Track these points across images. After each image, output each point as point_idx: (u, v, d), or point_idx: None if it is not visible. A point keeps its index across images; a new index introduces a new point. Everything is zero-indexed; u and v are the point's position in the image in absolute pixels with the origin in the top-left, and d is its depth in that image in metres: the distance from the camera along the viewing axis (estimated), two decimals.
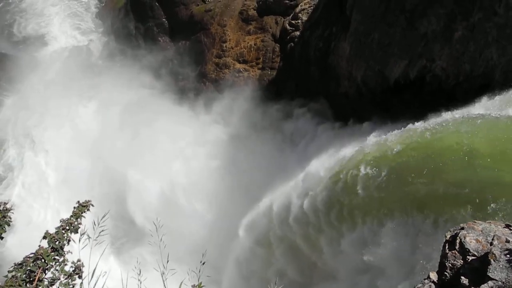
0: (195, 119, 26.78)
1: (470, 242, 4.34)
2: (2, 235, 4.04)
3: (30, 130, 31.13)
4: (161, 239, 3.87)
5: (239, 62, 26.34)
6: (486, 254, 4.10)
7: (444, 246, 4.63)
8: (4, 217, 3.96)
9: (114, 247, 23.43)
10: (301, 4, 24.46)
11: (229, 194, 21.80)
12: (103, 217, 3.80)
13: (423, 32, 15.26)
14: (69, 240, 3.98)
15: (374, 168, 11.40)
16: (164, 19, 33.23)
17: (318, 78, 21.81)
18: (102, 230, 3.75)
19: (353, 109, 19.42)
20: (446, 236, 4.66)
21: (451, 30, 14.28)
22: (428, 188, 9.87)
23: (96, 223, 3.74)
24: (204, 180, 23.32)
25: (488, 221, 4.72)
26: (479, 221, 4.66)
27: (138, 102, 28.59)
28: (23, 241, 20.26)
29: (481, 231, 4.44)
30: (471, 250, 4.29)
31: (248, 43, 26.19)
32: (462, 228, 4.52)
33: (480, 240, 4.33)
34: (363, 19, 18.23)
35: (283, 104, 23.56)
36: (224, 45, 27.16)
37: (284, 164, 20.84)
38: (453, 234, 4.56)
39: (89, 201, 4.19)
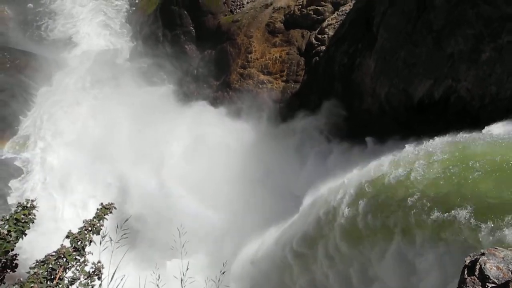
0: (217, 123, 26.95)
1: (491, 268, 4.26)
2: (26, 232, 4.14)
3: (51, 127, 31.80)
4: (183, 246, 3.90)
5: (263, 74, 26.45)
6: (507, 282, 4.01)
7: (462, 271, 4.55)
8: (29, 214, 4.06)
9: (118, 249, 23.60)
10: (328, 19, 24.51)
11: (237, 198, 21.95)
12: (125, 221, 3.85)
13: (450, 53, 15.14)
14: (90, 241, 4.05)
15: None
16: (191, 28, 33.76)
17: (342, 94, 21.77)
18: (124, 234, 3.80)
19: (375, 126, 19.28)
20: (465, 261, 4.59)
21: (478, 51, 14.14)
22: None
23: (118, 226, 3.79)
24: (212, 183, 23.45)
25: (510, 248, 4.63)
26: (501, 248, 4.57)
27: (157, 106, 29.04)
28: (38, 236, 20.72)
29: (503, 258, 4.35)
30: (491, 277, 4.21)
31: (273, 55, 26.32)
32: (483, 254, 4.44)
33: (501, 267, 4.25)
34: (389, 37, 18.17)
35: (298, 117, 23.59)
36: (250, 56, 27.34)
37: (287, 173, 21.14)
38: (473, 259, 4.49)
39: (112, 203, 4.26)
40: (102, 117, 30.62)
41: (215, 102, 28.61)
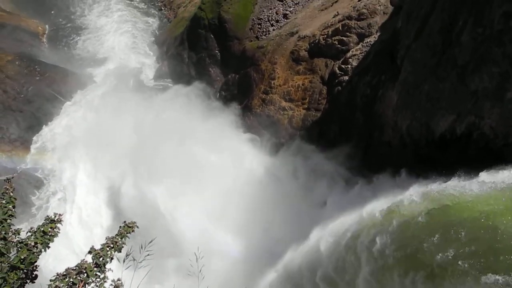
0: (238, 147, 27.10)
1: None
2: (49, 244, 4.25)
3: (71, 140, 32.47)
4: (200, 271, 3.94)
5: (285, 100, 26.65)
6: None
7: None
8: (55, 227, 4.17)
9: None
10: (352, 50, 24.70)
11: (256, 224, 21.87)
12: (150, 242, 3.92)
13: (474, 89, 15.04)
14: (111, 258, 4.12)
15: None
16: (216, 51, 34.40)
17: (362, 124, 21.76)
18: (148, 254, 3.86)
19: (395, 159, 19.16)
20: None
21: (503, 89, 14.02)
22: None
23: (142, 246, 3.85)
24: (231, 207, 23.43)
25: None
26: None
27: (177, 126, 29.40)
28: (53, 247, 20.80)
29: None
30: None
31: (296, 82, 26.54)
32: None
33: None
34: (413, 70, 18.21)
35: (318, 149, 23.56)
36: (272, 82, 27.61)
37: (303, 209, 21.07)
38: None
39: (134, 222, 4.35)
40: (125, 132, 31.02)
41: (236, 127, 28.87)
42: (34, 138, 32.82)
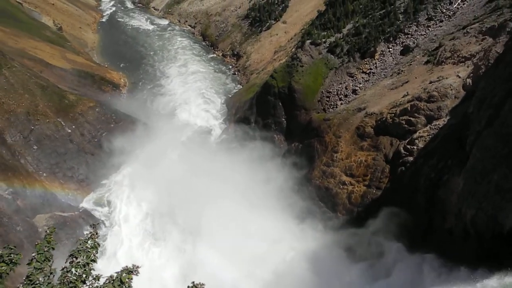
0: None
1: None
2: None
3: (132, 189, 33.78)
4: None
5: (346, 175, 26.53)
6: None
7: None
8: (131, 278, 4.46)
9: None
10: (419, 131, 24.51)
11: None
12: None
13: None
14: None
15: None
16: (283, 119, 35.31)
17: (424, 208, 21.14)
18: None
19: (456, 249, 18.30)
20: None
21: None
22: None
23: None
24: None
25: None
26: None
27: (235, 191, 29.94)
28: None
29: None
30: None
31: (359, 158, 26.47)
32: None
33: None
34: (482, 158, 17.70)
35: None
36: (335, 155, 27.70)
37: None
38: None
39: (203, 284, 4.54)
40: (186, 188, 31.89)
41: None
42: (99, 181, 34.61)
